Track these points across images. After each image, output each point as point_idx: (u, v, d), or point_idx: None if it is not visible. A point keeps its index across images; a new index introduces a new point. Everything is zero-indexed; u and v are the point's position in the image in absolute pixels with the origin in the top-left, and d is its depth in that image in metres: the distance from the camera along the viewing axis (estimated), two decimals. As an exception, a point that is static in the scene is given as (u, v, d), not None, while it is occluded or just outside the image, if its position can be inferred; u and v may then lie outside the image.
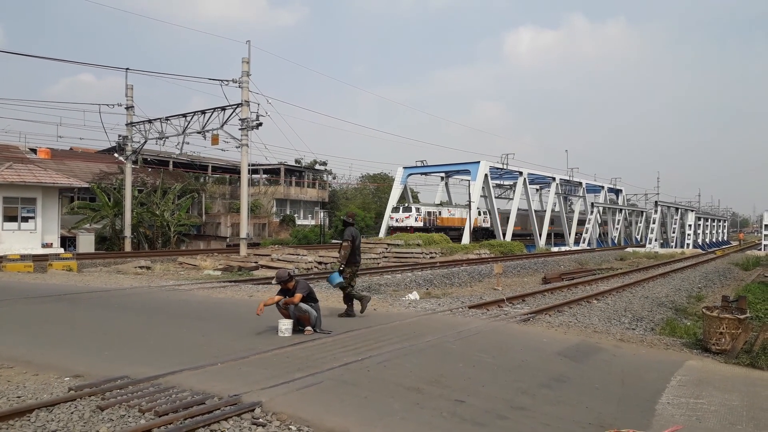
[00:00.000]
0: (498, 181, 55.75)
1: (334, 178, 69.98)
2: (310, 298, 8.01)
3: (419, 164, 50.76)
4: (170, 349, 7.07)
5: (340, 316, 9.40)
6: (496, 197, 49.10)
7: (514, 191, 50.68)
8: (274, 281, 8.16)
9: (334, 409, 4.77)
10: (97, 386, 5.21)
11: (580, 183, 61.01)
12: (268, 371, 5.85)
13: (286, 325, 7.76)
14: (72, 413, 4.57)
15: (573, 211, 62.26)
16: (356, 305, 9.64)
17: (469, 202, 43.50)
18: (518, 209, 48.83)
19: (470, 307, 10.97)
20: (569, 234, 55.67)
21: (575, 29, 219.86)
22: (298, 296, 7.86)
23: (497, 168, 47.70)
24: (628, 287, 17.10)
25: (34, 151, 44.04)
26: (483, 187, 45.76)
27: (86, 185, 33.69)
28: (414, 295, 14.52)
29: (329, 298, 11.70)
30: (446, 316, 9.83)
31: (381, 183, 69.76)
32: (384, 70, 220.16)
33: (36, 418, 4.47)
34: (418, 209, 45.91)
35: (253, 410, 4.63)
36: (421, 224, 44.55)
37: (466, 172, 48.15)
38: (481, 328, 8.74)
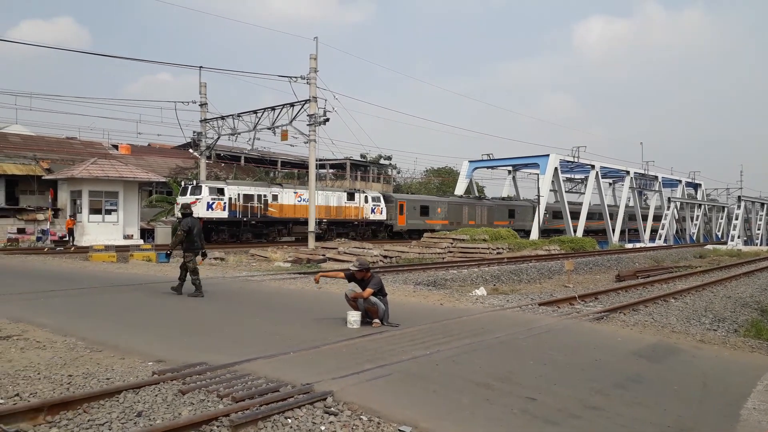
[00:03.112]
0: (568, 175, 54.20)
1: (398, 172, 70.18)
2: (379, 292, 8.09)
3: (485, 158, 50.03)
4: (244, 338, 7.33)
5: (190, 295, 10.84)
6: (566, 191, 47.75)
7: (586, 185, 49.13)
8: (354, 264, 8.30)
9: (403, 401, 4.80)
10: (177, 371, 5.47)
11: (656, 177, 58.35)
12: (338, 361, 5.96)
13: (354, 316, 7.87)
14: (156, 396, 4.82)
15: (648, 207, 59.69)
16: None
17: (538, 196, 42.50)
18: (590, 204, 47.29)
19: (540, 304, 10.75)
20: (644, 230, 53.44)
21: (649, 17, 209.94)
22: (368, 291, 7.95)
23: (568, 161, 46.32)
24: (708, 286, 16.25)
25: (115, 147, 46.55)
26: (553, 181, 44.58)
27: (163, 179, 35.34)
28: (481, 291, 14.37)
29: (395, 291, 11.77)
30: (515, 313, 9.68)
31: (446, 177, 69.37)
32: (449, 63, 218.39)
33: (124, 399, 4.75)
34: (219, 190, 29.89)
35: (325, 399, 4.74)
36: (224, 213, 29.92)
37: (535, 165, 47.04)
38: (552, 325, 8.56)
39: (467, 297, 11.94)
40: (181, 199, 29.15)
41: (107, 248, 22.31)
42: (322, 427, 4.27)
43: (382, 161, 65.28)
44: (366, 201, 37.13)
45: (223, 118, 33.81)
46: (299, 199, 33.41)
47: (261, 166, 54.99)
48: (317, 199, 32.22)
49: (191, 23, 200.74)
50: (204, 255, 11.69)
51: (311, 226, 29.54)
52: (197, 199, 29.03)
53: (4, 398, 4.82)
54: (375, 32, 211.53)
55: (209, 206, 29.58)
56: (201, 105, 34.32)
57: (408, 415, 4.45)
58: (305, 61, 28.95)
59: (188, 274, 11.25)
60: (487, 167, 52.22)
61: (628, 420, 4.60)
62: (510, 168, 53.57)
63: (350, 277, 8.31)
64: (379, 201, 38.02)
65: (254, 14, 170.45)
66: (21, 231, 32.63)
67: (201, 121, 34.69)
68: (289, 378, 5.24)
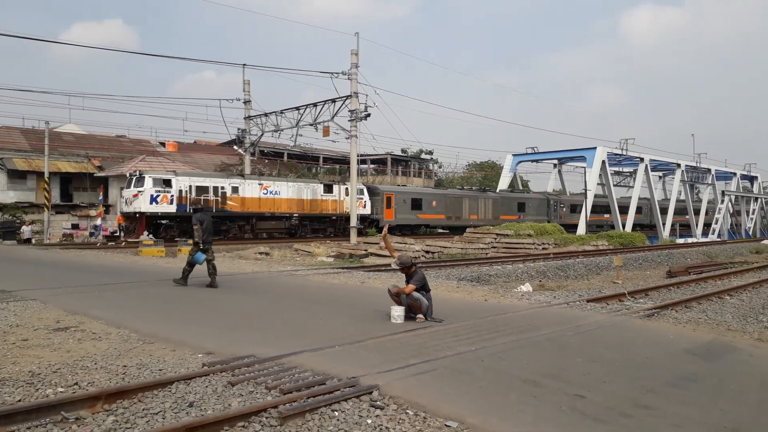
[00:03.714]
0: (616, 168, 52.87)
1: (440, 167, 69.84)
2: (422, 287, 8.08)
3: (530, 151, 49.25)
4: (290, 331, 7.43)
5: (175, 281, 11.70)
6: (614, 185, 46.55)
7: (635, 179, 47.81)
8: (394, 263, 8.32)
9: (449, 396, 4.78)
10: (226, 363, 5.59)
11: (709, 169, 56.30)
12: (383, 356, 5.98)
13: (398, 311, 7.88)
14: (206, 387, 4.94)
15: (700, 200, 57.68)
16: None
17: (585, 190, 41.58)
18: (639, 198, 45.96)
19: (588, 301, 10.52)
20: (696, 225, 51.67)
21: (700, 5, 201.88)
22: (410, 287, 7.95)
23: (615, 154, 45.16)
24: (766, 282, 15.59)
25: (163, 144, 47.85)
26: (600, 175, 43.53)
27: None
28: (527, 287, 14.18)
29: (439, 287, 11.72)
30: (562, 309, 9.50)
31: (489, 171, 68.62)
32: (492, 55, 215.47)
33: (176, 389, 4.88)
34: (166, 182, 27.33)
35: (371, 393, 4.76)
36: (171, 207, 27.34)
37: (581, 158, 46.04)
38: (600, 322, 8.37)
39: (512, 293, 11.80)
40: (126, 192, 27.81)
41: (156, 243, 22.97)
42: (369, 421, 4.29)
43: (423, 156, 65.04)
44: (346, 193, 33.62)
45: (266, 114, 34.33)
46: (265, 191, 30.71)
47: (303, 162, 55.60)
48: (288, 192, 30.87)
49: (235, 22, 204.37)
50: (206, 249, 11.83)
51: (353, 222, 29.72)
52: (139, 191, 26.90)
53: (64, 387, 5.02)
54: (416, 26, 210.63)
55: (153, 199, 26.97)
56: (245, 102, 34.92)
57: (454, 411, 4.43)
58: (346, 57, 29.07)
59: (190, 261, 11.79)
60: (532, 161, 51.46)
61: (681, 420, 4.46)
62: (555, 161, 52.61)
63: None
64: (362, 194, 34.75)
65: (297, 11, 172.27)
66: (75, 227, 33.99)
67: (245, 118, 35.30)
68: (335, 371, 5.29)
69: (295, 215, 31.73)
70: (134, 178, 27.47)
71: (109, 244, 26.20)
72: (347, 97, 29.39)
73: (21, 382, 5.13)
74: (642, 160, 46.58)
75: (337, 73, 29.24)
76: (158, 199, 26.96)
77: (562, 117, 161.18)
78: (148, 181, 26.93)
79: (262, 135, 35.30)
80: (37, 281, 12.18)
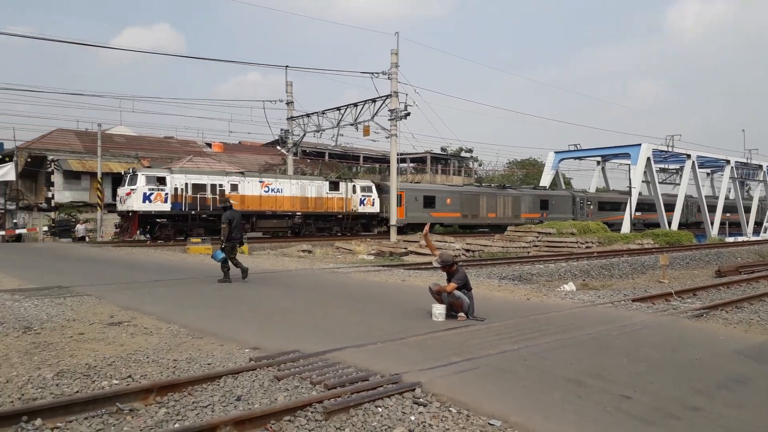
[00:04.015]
0: (662, 165, 51.43)
1: (480, 165, 69.28)
2: (464, 286, 8.08)
3: (572, 148, 48.37)
4: (333, 327, 7.54)
5: (219, 281, 11.90)
6: (660, 182, 45.30)
7: (681, 176, 46.41)
8: (436, 261, 8.35)
9: (492, 394, 4.79)
10: (272, 358, 5.73)
11: (760, 166, 54.20)
12: (424, 353, 6.02)
13: (439, 309, 7.90)
14: (253, 381, 5.08)
15: (751, 198, 55.54)
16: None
17: (630, 187, 40.59)
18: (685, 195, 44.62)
19: (634, 300, 10.30)
20: (747, 223, 49.78)
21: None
22: (451, 285, 7.95)
23: (661, 151, 43.93)
24: (824, 283, 14.93)
25: (209, 145, 49.01)
26: (645, 172, 42.42)
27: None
28: (570, 286, 13.99)
29: (480, 285, 11.67)
30: (607, 309, 9.34)
31: (530, 169, 67.74)
32: (532, 52, 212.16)
33: (224, 383, 5.04)
34: (160, 179, 26.51)
35: (413, 390, 4.81)
36: (165, 206, 26.46)
37: (626, 155, 44.94)
38: (646, 322, 8.19)
39: (555, 292, 11.66)
40: (120, 190, 27.21)
41: (203, 241, 23.55)
42: (412, 417, 4.34)
43: (463, 154, 64.67)
44: (354, 191, 32.82)
45: (308, 115, 34.77)
46: (266, 189, 29.60)
47: (344, 162, 56.05)
48: (291, 190, 30.00)
49: (277, 23, 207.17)
50: (241, 243, 12.78)
51: (393, 220, 29.83)
52: (132, 189, 25.99)
53: (118, 379, 5.24)
54: (456, 25, 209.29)
55: (146, 197, 25.95)
56: (287, 103, 35.43)
57: (497, 409, 4.44)
58: (386, 56, 29.18)
59: (229, 261, 12.11)
60: (575, 158, 50.49)
61: (732, 422, 4.35)
62: (599, 158, 51.53)
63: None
64: (371, 191, 33.67)
65: (338, 13, 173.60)
66: (125, 225, 35.04)
67: (288, 118, 35.83)
68: (378, 368, 5.35)
69: (298, 214, 30.83)
70: (128, 176, 26.76)
71: (158, 242, 26.89)
72: (387, 96, 29.50)
73: (78, 374, 5.38)
74: (689, 156, 45.20)
75: (377, 73, 29.39)
76: (151, 198, 26.10)
77: (604, 113, 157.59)
78: (141, 179, 26.07)
79: (304, 135, 35.78)
80: (91, 278, 12.69)
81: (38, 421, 4.13)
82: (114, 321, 7.79)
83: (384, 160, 55.44)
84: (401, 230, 33.40)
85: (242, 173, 30.34)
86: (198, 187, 27.38)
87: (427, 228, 9.18)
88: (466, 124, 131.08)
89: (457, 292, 7.94)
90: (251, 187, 29.23)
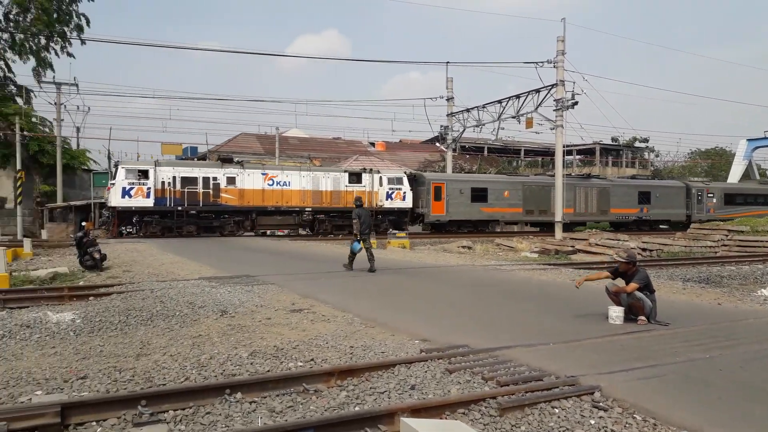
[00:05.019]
0: None
1: (656, 155, 63.86)
2: (645, 287, 7.49)
3: (768, 135, 42.66)
4: (500, 324, 7.44)
5: (344, 266, 13.30)
6: None
7: None
8: (620, 255, 7.88)
9: (682, 404, 4.39)
10: (442, 351, 5.81)
11: None
12: (601, 357, 5.69)
13: (617, 312, 7.41)
14: (425, 372, 5.19)
15: None
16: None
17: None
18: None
19: None
20: None
21: None
22: (632, 286, 7.40)
23: None
24: None
25: (372, 144, 51.06)
26: None
27: (413, 172, 37.64)
28: (768, 290, 12.34)
29: (660, 287, 10.75)
30: (819, 318, 8.09)
31: (716, 159, 61.04)
32: (715, 28, 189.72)
33: (398, 372, 5.21)
34: (142, 173, 24.59)
35: (592, 393, 4.57)
36: (147, 201, 24.33)
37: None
38: None
39: (752, 297, 10.37)
40: (110, 184, 25.15)
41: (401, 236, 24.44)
42: (592, 421, 4.13)
43: (636, 144, 60.06)
44: (380, 183, 29.24)
45: (468, 110, 34.69)
46: (270, 182, 26.87)
47: (504, 156, 55.05)
48: (301, 183, 27.34)
49: (437, 21, 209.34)
50: (364, 240, 13.29)
51: (558, 216, 28.63)
52: (112, 184, 24.34)
53: (302, 362, 5.67)
54: (627, 3, 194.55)
55: (125, 192, 23.96)
56: (447, 99, 35.67)
57: (688, 420, 4.06)
58: (550, 45, 28.07)
59: (366, 252, 13.18)
60: (772, 146, 44.49)
61: None
62: (803, 146, 44.85)
63: (614, 272, 7.87)
64: (401, 183, 29.72)
65: (498, 5, 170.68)
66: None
67: (447, 115, 36.07)
68: (552, 369, 5.17)
69: (308, 209, 27.86)
70: (114, 170, 25.16)
71: (329, 236, 28.56)
72: (552, 86, 28.41)
73: (268, 354, 5.92)
74: None
75: (541, 62, 28.44)
76: (131, 193, 24.09)
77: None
78: (120, 173, 24.18)
79: (463, 131, 35.77)
80: (273, 267, 13.85)
81: (239, 395, 4.62)
82: (295, 308, 8.43)
83: (546, 152, 53.48)
84: (439, 227, 30.66)
85: (241, 164, 27.80)
86: (187, 181, 25.18)
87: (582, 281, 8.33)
88: (641, 112, 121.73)
89: (638, 294, 7.39)
90: (252, 180, 26.68)
